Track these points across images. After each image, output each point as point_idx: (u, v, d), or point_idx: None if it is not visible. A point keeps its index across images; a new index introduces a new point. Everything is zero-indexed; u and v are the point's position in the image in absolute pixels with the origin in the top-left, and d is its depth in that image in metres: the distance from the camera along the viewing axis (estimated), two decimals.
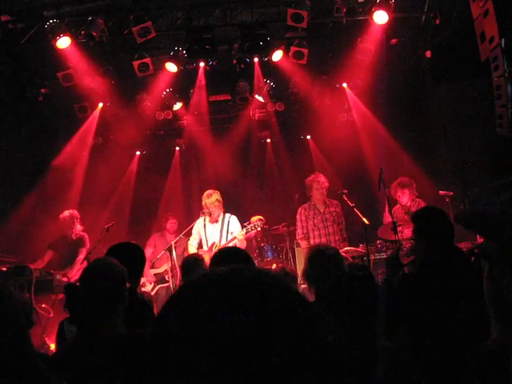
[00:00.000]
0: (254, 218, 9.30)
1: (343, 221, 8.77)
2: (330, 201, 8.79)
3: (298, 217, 8.88)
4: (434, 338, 3.41)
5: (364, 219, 7.65)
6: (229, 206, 8.78)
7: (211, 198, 8.32)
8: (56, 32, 8.88)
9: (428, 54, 9.89)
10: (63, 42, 8.98)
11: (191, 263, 4.99)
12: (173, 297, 0.96)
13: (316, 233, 8.64)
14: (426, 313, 3.47)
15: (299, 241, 9.00)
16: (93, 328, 3.00)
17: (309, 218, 8.73)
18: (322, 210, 8.71)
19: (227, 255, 3.38)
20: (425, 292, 3.55)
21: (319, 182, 8.63)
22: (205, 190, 8.64)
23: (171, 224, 10.03)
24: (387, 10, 8.85)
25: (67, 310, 3.13)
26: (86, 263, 7.94)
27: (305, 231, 8.76)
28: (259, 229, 8.45)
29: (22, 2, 8.81)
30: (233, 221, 8.41)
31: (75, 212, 9.14)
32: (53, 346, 6.28)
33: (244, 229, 8.17)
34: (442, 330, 3.39)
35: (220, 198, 8.39)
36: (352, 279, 2.88)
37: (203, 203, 8.39)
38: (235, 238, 8.03)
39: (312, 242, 8.55)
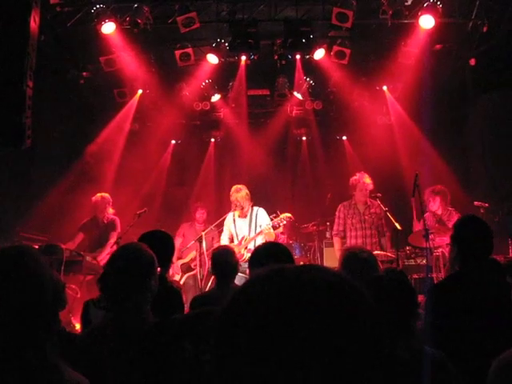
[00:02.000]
0: (282, 216, 9.29)
1: (383, 222, 8.56)
2: (371, 201, 8.59)
3: (336, 213, 8.74)
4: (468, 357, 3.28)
5: (397, 224, 7.58)
6: (260, 201, 8.77)
7: (241, 193, 8.32)
8: (102, 17, 8.95)
9: (472, 61, 9.72)
10: (108, 28, 9.05)
11: (221, 254, 5.03)
12: (244, 291, 0.96)
13: (353, 233, 8.50)
14: (459, 325, 3.40)
15: (333, 237, 8.86)
16: (119, 313, 3.01)
17: (347, 216, 8.58)
18: (362, 211, 8.55)
19: (270, 250, 3.41)
20: (457, 302, 3.48)
21: (364, 184, 8.46)
22: (237, 183, 8.65)
23: (200, 214, 10.03)
24: (434, 15, 8.71)
25: (101, 294, 3.15)
26: (115, 247, 8.02)
27: (341, 229, 8.63)
28: (285, 222, 8.41)
29: None
30: (261, 213, 8.39)
31: (107, 196, 9.20)
32: (78, 326, 6.38)
33: (270, 222, 8.18)
34: (477, 346, 3.30)
35: (248, 192, 8.39)
36: (388, 280, 2.84)
37: (233, 198, 8.35)
38: (262, 231, 8.03)
39: (348, 242, 8.46)
